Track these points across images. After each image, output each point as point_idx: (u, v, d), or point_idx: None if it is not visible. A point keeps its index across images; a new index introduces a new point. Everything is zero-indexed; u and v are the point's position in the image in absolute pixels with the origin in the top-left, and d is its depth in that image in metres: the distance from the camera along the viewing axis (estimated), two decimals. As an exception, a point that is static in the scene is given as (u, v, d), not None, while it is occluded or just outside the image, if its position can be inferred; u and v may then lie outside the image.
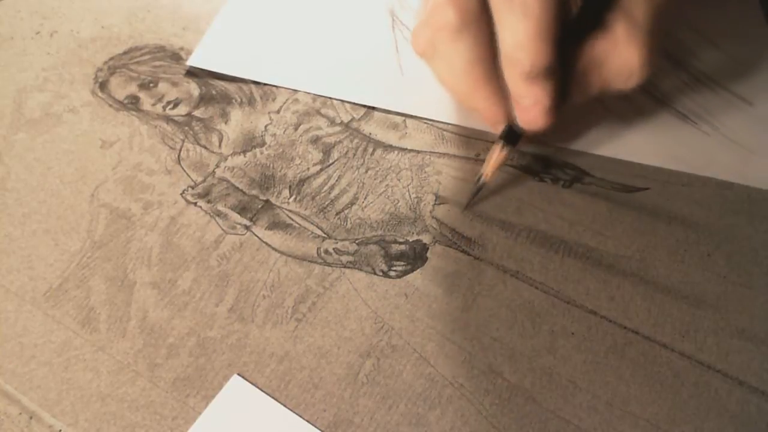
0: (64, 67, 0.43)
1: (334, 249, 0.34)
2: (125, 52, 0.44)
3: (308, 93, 0.41)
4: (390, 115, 0.39)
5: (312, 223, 0.35)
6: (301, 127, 0.39)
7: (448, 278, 0.33)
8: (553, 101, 0.29)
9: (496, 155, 0.33)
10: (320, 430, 0.29)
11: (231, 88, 0.41)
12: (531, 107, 0.29)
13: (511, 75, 0.29)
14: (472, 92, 0.31)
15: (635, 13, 0.28)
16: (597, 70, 0.30)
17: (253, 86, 0.41)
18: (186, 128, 0.40)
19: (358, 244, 0.34)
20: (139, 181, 0.37)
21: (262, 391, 0.30)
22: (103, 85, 0.42)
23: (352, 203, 0.36)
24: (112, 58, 0.43)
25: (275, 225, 0.35)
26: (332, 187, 0.37)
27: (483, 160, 0.37)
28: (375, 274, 0.33)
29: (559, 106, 0.30)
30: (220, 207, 0.36)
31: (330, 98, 0.40)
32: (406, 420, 0.29)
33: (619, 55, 0.29)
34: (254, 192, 0.37)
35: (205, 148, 0.39)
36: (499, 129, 0.33)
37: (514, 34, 0.27)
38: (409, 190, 0.36)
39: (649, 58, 0.29)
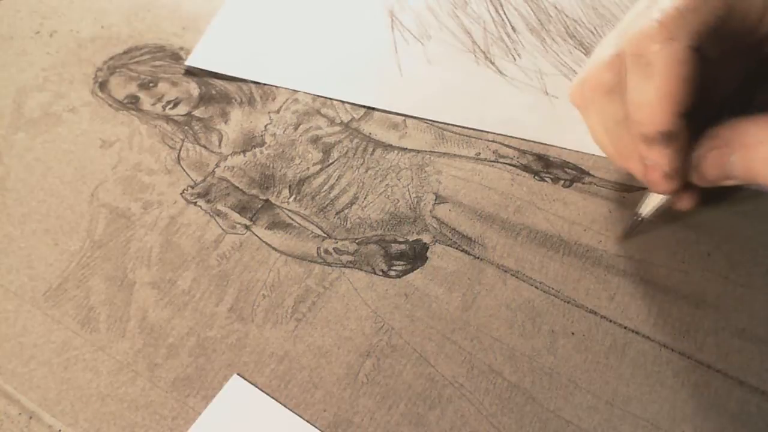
0: (64, 66, 0.43)
1: (334, 248, 0.34)
2: (125, 52, 0.44)
3: (308, 93, 0.41)
4: (390, 115, 0.39)
5: (312, 223, 0.35)
6: (301, 126, 0.39)
7: (448, 278, 0.33)
8: (673, 168, 0.27)
9: (654, 196, 0.32)
10: (320, 430, 0.29)
11: (231, 87, 0.41)
12: (650, 169, 0.28)
13: (634, 134, 0.28)
14: (618, 151, 0.30)
15: None
16: (743, 153, 0.26)
17: (253, 86, 0.41)
18: (186, 128, 0.40)
19: (358, 243, 0.34)
20: (139, 181, 0.37)
21: (261, 391, 0.30)
22: (102, 85, 0.42)
23: (352, 203, 0.36)
24: (111, 58, 0.43)
25: (275, 225, 0.35)
26: (332, 187, 0.37)
27: (483, 159, 0.37)
28: (375, 273, 0.33)
29: (684, 174, 0.28)
30: (220, 206, 0.36)
31: (329, 98, 0.40)
32: (406, 420, 0.29)
33: None
34: (254, 192, 0.37)
35: (205, 147, 0.39)
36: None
37: (637, 94, 0.26)
38: (409, 190, 0.36)
39: None
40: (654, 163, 0.28)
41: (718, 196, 0.34)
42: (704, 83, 0.26)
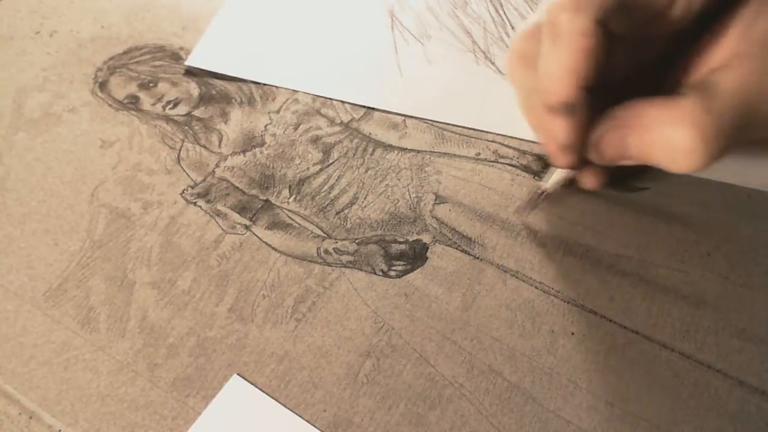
0: (64, 66, 0.43)
1: (334, 249, 0.34)
2: (125, 52, 0.44)
3: (308, 93, 0.41)
4: (390, 115, 0.39)
5: (312, 223, 0.35)
6: (301, 126, 0.39)
7: (448, 278, 0.33)
8: (570, 141, 0.27)
9: (556, 171, 0.32)
10: (320, 430, 0.29)
11: (231, 87, 0.41)
12: (550, 141, 0.28)
13: (539, 103, 0.28)
14: (533, 122, 0.30)
15: (719, 92, 0.24)
16: (639, 134, 0.26)
17: (252, 86, 0.41)
18: (186, 128, 0.40)
19: (358, 243, 0.34)
20: (139, 181, 0.37)
21: (261, 391, 0.30)
22: (102, 85, 0.42)
23: (352, 203, 0.36)
24: (111, 58, 0.43)
25: (275, 225, 0.35)
26: (332, 187, 0.37)
27: (483, 160, 0.37)
28: (375, 273, 0.33)
29: (583, 150, 0.28)
30: (220, 207, 0.36)
31: (329, 98, 0.40)
32: (406, 420, 0.29)
33: (670, 128, 0.24)
34: (254, 192, 0.37)
35: (205, 147, 0.39)
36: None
37: (544, 63, 0.26)
38: (409, 190, 0.36)
39: (708, 148, 0.24)
40: (554, 135, 0.28)
41: (626, 179, 0.34)
42: (614, 61, 0.26)
